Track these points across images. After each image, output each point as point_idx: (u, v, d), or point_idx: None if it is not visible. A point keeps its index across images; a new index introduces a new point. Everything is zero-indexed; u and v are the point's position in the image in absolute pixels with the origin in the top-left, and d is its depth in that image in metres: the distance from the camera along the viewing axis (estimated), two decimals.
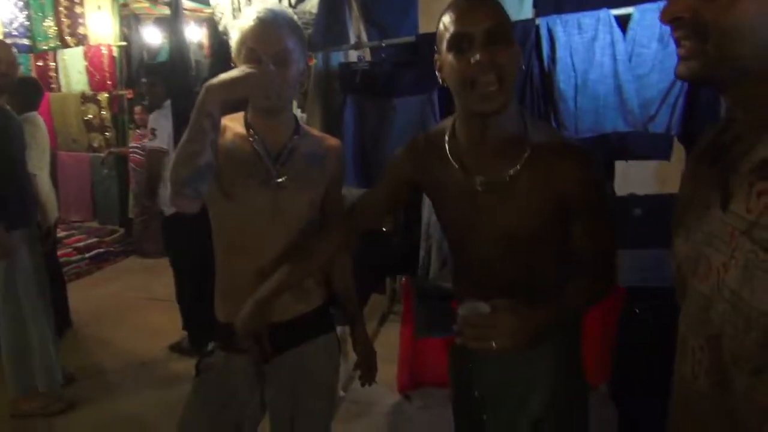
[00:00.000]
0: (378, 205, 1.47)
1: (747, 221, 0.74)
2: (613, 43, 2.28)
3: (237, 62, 1.39)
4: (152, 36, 6.94)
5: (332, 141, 1.59)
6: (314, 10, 2.41)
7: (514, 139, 1.23)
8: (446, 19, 1.18)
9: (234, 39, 1.41)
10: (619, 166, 2.62)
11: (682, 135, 2.34)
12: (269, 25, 1.36)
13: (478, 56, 1.12)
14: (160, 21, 6.87)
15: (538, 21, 2.38)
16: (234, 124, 1.47)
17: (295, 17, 1.46)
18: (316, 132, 1.63)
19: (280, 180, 1.43)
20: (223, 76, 1.29)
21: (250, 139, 1.45)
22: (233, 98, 1.31)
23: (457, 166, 1.28)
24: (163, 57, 7.50)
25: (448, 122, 1.35)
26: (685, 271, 0.88)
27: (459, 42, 1.14)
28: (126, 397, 3.16)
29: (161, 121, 3.16)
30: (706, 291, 0.81)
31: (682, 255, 0.89)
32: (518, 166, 1.22)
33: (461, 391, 1.50)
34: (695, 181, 0.89)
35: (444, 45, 1.18)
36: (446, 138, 1.32)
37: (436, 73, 1.25)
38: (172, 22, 2.85)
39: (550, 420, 1.34)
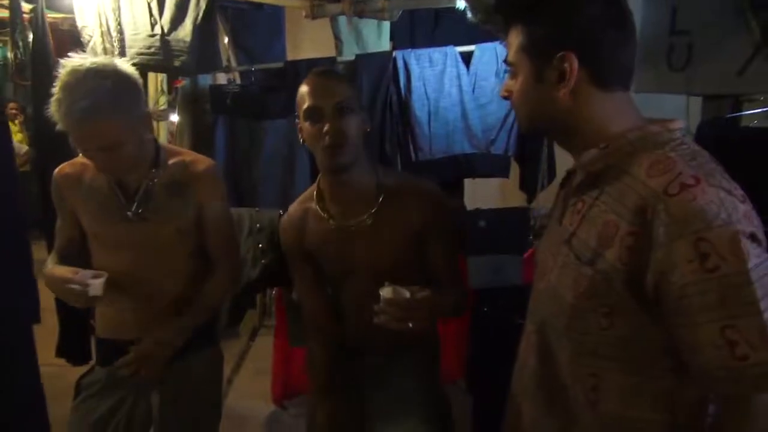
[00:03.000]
0: (316, 283, 1.56)
1: (569, 232, 0.96)
2: (459, 76, 2.59)
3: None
4: None
5: (199, 166, 1.55)
6: (188, 39, 2.44)
7: (368, 188, 1.46)
8: (303, 91, 1.39)
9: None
10: (468, 183, 2.96)
11: (518, 155, 2.73)
12: (88, 123, 1.31)
13: (327, 127, 1.34)
14: None
15: (395, 54, 2.64)
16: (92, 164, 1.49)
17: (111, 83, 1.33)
18: (184, 155, 1.58)
19: (138, 213, 1.47)
20: (59, 287, 1.39)
21: (109, 180, 1.49)
22: None
23: (325, 216, 1.48)
24: None
25: (312, 187, 1.55)
26: (535, 273, 1.10)
27: (312, 113, 1.36)
28: None
29: None
30: (541, 287, 1.03)
31: (537, 259, 1.11)
32: (375, 210, 1.44)
33: (329, 402, 1.60)
34: (555, 200, 1.11)
35: (301, 114, 1.39)
36: (314, 197, 1.51)
37: (298, 133, 1.44)
38: (34, 27, 2.71)
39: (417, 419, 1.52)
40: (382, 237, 1.44)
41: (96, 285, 1.37)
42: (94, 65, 1.32)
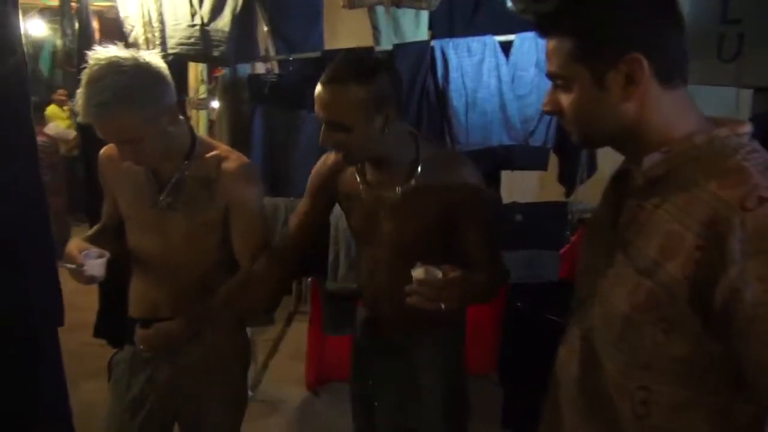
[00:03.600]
0: (305, 218, 1.60)
1: (624, 238, 0.90)
2: (498, 66, 2.54)
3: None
4: (36, 28, 6.56)
5: (231, 163, 1.52)
6: (226, 29, 2.47)
7: (405, 161, 1.44)
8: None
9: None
10: (506, 175, 2.92)
11: (557, 148, 2.67)
12: (108, 116, 1.31)
13: (321, 135, 1.36)
14: (44, 12, 6.50)
15: (433, 43, 2.60)
16: None
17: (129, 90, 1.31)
18: (220, 149, 1.56)
19: (167, 203, 1.50)
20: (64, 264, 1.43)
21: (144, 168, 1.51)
22: None
23: (358, 178, 1.49)
24: (48, 50, 7.11)
25: None
26: (579, 274, 1.05)
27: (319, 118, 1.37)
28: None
29: None
30: (589, 291, 0.98)
31: (580, 260, 1.07)
32: (411, 181, 1.43)
33: (357, 382, 1.68)
34: (603, 199, 1.06)
35: None
36: None
37: None
38: (79, 16, 2.78)
39: (433, 403, 1.54)
40: (411, 211, 1.43)
41: (94, 265, 1.40)
42: (113, 59, 1.31)
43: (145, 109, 1.33)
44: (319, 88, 1.32)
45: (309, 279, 3.28)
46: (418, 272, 1.21)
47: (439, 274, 1.20)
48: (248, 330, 1.82)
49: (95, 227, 1.67)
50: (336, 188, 1.56)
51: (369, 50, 2.67)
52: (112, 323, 2.80)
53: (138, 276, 1.61)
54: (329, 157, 1.57)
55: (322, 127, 1.35)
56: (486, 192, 1.50)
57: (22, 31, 1.62)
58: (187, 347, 1.55)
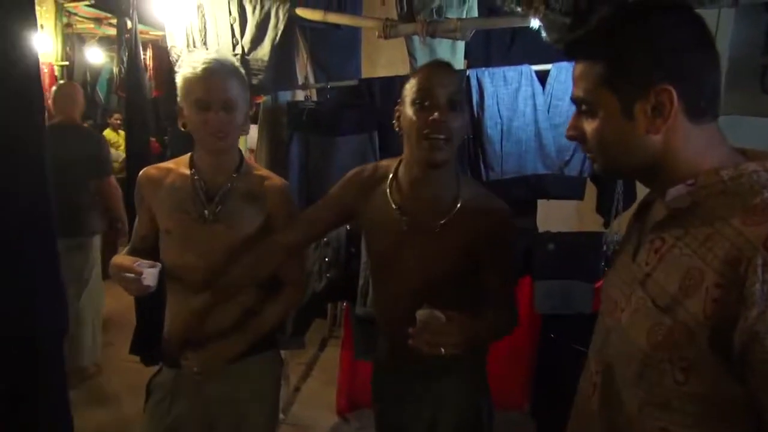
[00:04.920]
0: (314, 216, 1.58)
1: (644, 272, 0.89)
2: (533, 95, 2.54)
3: (184, 107, 1.52)
4: (95, 56, 6.90)
5: (275, 181, 1.63)
6: (266, 58, 2.56)
7: (447, 193, 1.42)
8: (417, 77, 1.37)
9: (179, 85, 1.52)
10: (542, 203, 2.89)
11: (594, 177, 2.62)
12: (216, 75, 1.47)
13: (436, 114, 1.31)
14: (103, 41, 6.85)
15: (468, 72, 2.62)
16: (179, 165, 1.61)
17: (236, 63, 1.57)
18: (262, 171, 1.68)
19: (214, 213, 1.55)
20: (117, 274, 1.46)
21: (195, 177, 1.57)
22: None
23: (393, 206, 1.45)
24: (105, 77, 7.47)
25: (393, 163, 1.51)
26: (602, 305, 1.04)
27: (423, 100, 1.33)
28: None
29: None
30: (609, 324, 0.97)
31: (603, 292, 1.05)
32: (448, 218, 1.40)
33: (384, 410, 1.67)
34: (627, 231, 1.05)
35: (409, 98, 1.37)
36: (389, 177, 1.48)
37: (393, 121, 1.43)
38: (129, 46, 2.95)
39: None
40: (444, 246, 1.41)
41: (149, 275, 1.43)
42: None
43: (245, 88, 1.54)
44: (433, 67, 1.40)
45: (344, 303, 3.29)
46: (421, 314, 1.20)
47: (443, 318, 1.19)
48: (282, 353, 1.84)
49: (125, 249, 1.70)
50: (362, 203, 1.52)
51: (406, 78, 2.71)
52: (146, 341, 2.89)
53: (174, 295, 1.64)
54: (366, 169, 1.55)
55: (439, 109, 1.31)
56: (514, 230, 1.48)
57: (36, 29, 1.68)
58: (228, 370, 1.57)
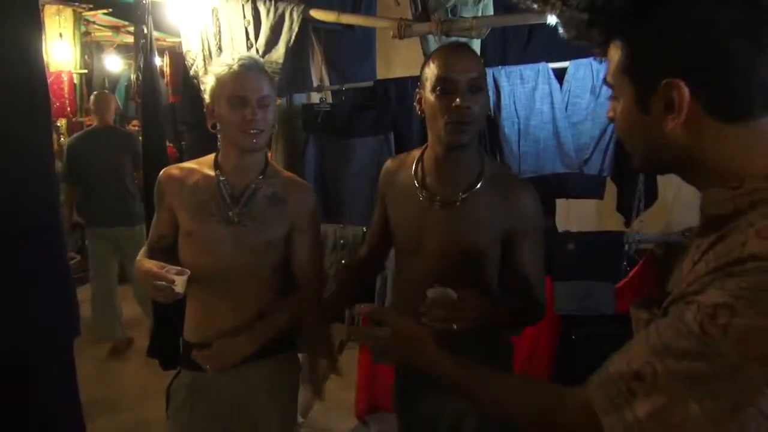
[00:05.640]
0: (379, 228, 1.67)
1: (665, 291, 0.78)
2: (551, 93, 2.50)
3: (216, 107, 1.51)
4: (113, 63, 6.99)
5: (299, 184, 1.65)
6: (281, 60, 2.55)
7: (471, 170, 1.43)
8: (436, 62, 1.36)
9: (210, 85, 1.52)
10: (562, 203, 2.84)
11: (614, 176, 2.58)
12: (252, 71, 1.49)
13: (458, 101, 1.31)
14: (121, 48, 6.94)
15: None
16: (202, 166, 1.60)
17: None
18: (285, 173, 1.67)
19: (238, 214, 1.53)
20: (147, 281, 1.44)
21: (221, 178, 1.56)
22: None
23: (417, 185, 1.47)
24: (123, 84, 7.56)
25: (417, 151, 1.55)
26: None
27: (444, 85, 1.33)
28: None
29: None
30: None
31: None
32: (471, 192, 1.41)
33: (405, 414, 1.65)
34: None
35: (429, 84, 1.36)
36: (414, 161, 1.51)
37: (415, 104, 1.44)
38: (144, 52, 2.98)
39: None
40: (467, 220, 1.41)
41: (180, 282, 1.42)
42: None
43: (274, 88, 1.57)
44: (452, 50, 1.40)
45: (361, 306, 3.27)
46: (432, 292, 1.21)
47: (454, 296, 1.20)
48: (300, 356, 1.82)
49: (144, 247, 1.67)
50: (389, 188, 1.58)
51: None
52: (165, 344, 2.90)
53: (193, 297, 1.62)
54: (397, 158, 1.63)
55: (460, 94, 1.32)
56: (542, 211, 1.47)
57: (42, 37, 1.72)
58: (245, 371, 1.56)
